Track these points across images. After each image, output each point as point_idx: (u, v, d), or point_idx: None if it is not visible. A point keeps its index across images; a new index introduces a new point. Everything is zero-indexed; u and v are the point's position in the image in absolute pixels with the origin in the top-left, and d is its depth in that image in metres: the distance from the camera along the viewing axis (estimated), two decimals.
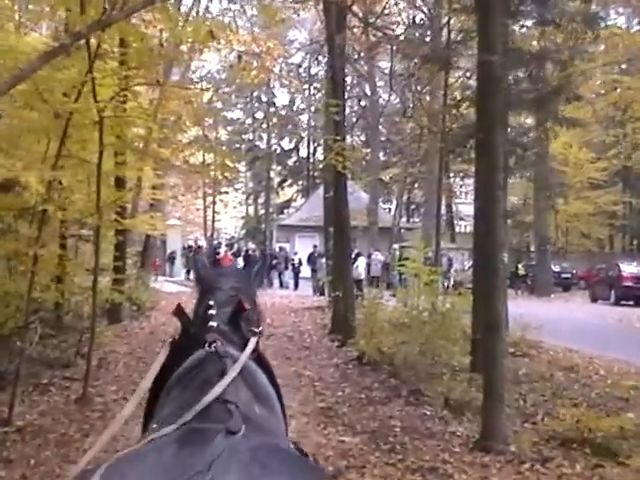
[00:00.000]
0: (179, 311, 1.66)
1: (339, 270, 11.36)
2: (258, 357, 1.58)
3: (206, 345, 1.48)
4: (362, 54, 20.81)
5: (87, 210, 9.92)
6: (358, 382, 8.14)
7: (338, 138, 9.78)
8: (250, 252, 25.58)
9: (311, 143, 43.94)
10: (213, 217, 43.07)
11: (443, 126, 12.80)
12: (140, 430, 1.50)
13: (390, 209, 36.12)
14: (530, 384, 7.90)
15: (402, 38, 16.37)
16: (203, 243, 29.37)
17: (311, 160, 43.80)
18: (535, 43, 12.99)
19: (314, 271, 20.99)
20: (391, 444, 5.52)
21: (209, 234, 39.82)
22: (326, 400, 7.20)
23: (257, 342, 1.59)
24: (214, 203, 42.72)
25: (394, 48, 14.67)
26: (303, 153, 44.18)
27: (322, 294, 20.37)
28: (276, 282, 24.00)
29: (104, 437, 1.30)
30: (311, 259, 21.52)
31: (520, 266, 21.47)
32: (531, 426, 6.17)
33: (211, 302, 1.66)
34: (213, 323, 1.59)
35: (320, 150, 44.50)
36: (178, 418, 1.19)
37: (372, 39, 16.75)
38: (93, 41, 6.14)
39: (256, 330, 1.64)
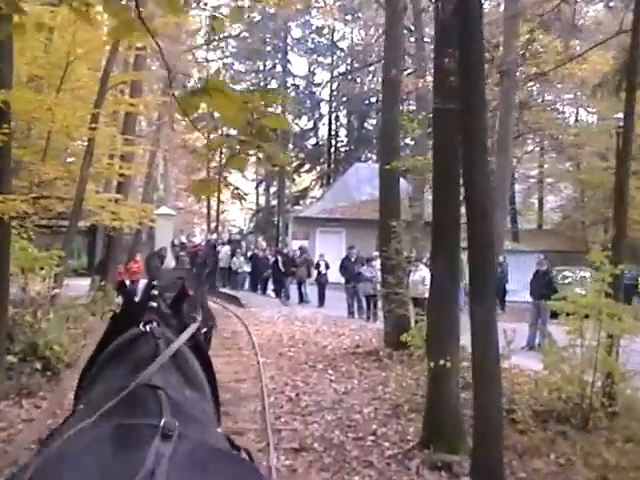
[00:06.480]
0: (121, 286, 1.71)
1: (466, 305, 5.16)
2: (196, 345, 1.50)
3: (141, 324, 1.43)
4: None
5: None
6: None
7: None
8: (259, 253, 19.42)
9: (333, 122, 37.61)
10: (218, 207, 36.85)
11: None
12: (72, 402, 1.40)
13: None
14: None
15: None
16: (198, 239, 23.29)
17: (333, 142, 37.47)
18: None
19: (349, 282, 14.67)
20: None
21: (213, 227, 33.67)
22: None
23: (197, 329, 1.55)
24: (219, 190, 36.54)
25: None
26: (323, 134, 37.86)
27: (361, 316, 14.33)
28: (294, 294, 17.53)
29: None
30: (345, 266, 15.00)
31: None
32: None
33: (154, 283, 1.62)
34: (153, 303, 1.52)
35: (343, 131, 38.35)
36: (106, 404, 1.14)
37: None
38: None
39: (197, 317, 1.60)
